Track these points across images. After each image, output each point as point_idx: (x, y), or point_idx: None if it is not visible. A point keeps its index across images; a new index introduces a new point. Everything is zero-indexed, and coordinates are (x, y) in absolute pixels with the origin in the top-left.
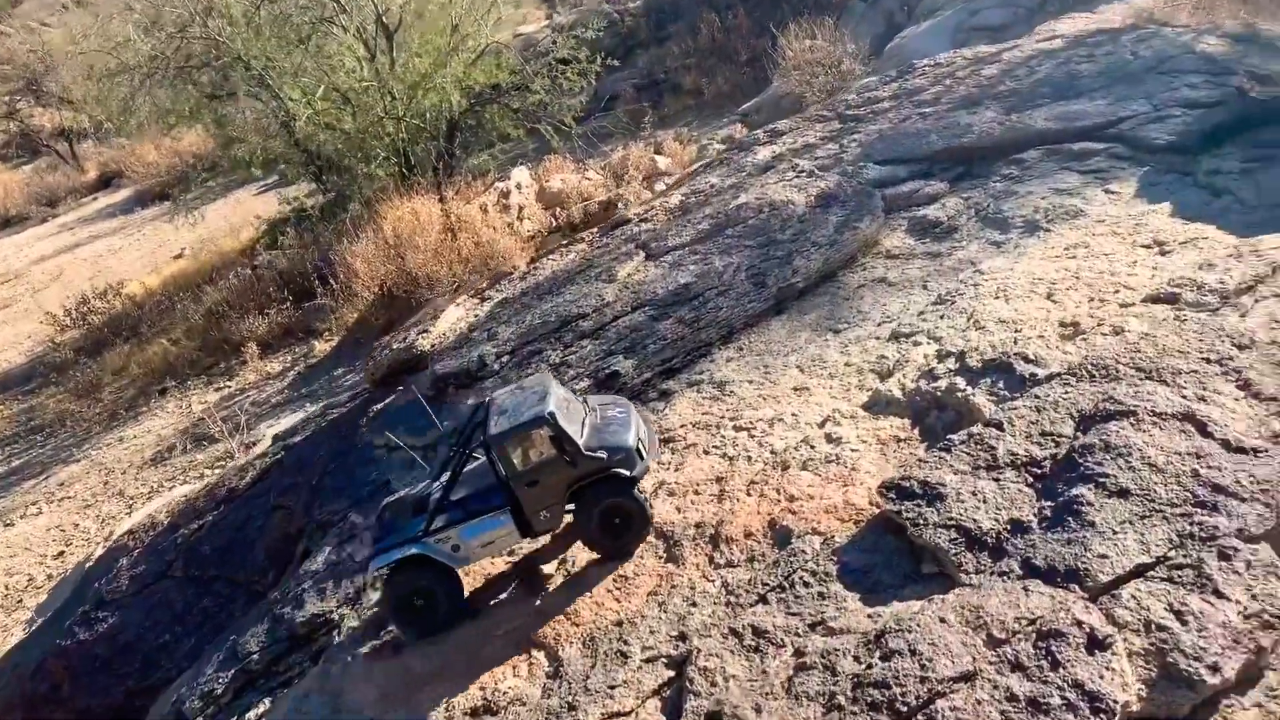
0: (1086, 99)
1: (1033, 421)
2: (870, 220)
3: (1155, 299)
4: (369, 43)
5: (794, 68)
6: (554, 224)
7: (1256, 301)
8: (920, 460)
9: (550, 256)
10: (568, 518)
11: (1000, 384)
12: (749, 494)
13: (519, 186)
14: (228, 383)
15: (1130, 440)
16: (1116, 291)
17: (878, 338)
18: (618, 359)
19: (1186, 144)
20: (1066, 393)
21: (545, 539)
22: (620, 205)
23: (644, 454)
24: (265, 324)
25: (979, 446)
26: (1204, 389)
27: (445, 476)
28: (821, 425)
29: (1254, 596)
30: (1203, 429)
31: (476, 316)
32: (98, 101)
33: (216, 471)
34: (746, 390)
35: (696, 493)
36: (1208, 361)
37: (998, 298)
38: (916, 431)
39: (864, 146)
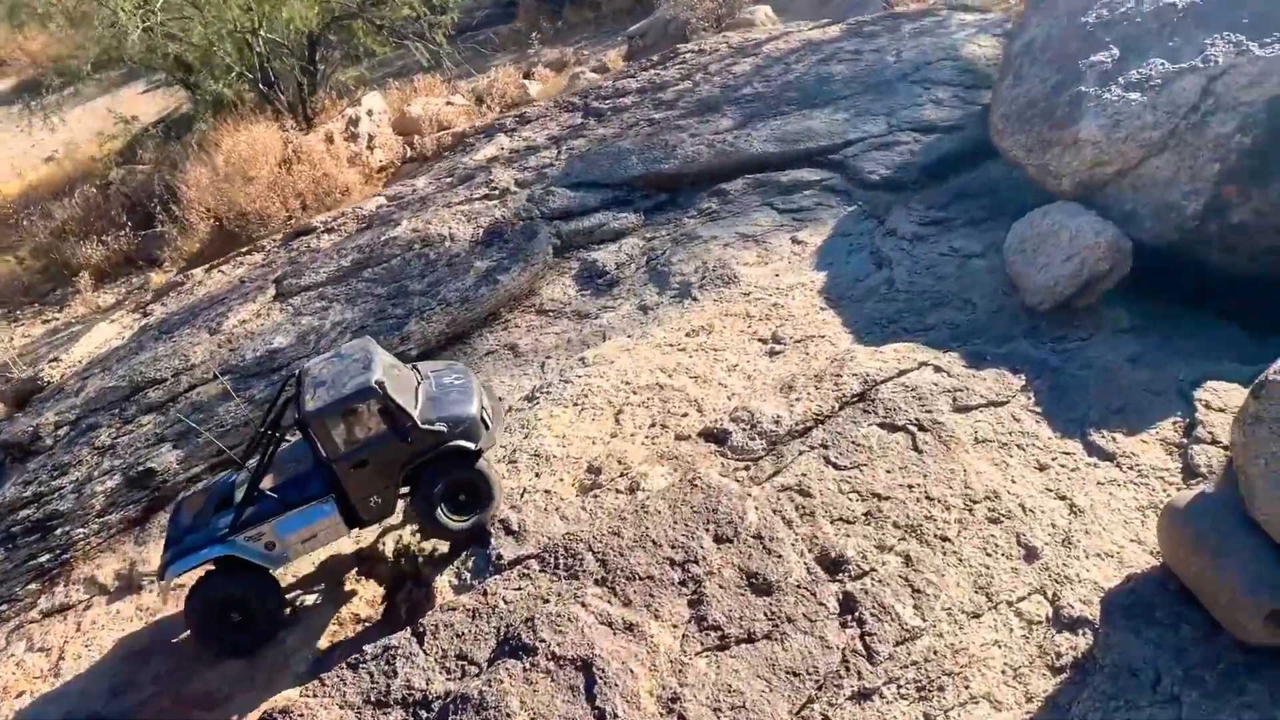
0: (827, 111)
1: (448, 644)
2: (522, 269)
3: (709, 434)
4: None
5: None
6: (407, 154)
7: (801, 453)
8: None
9: (225, 266)
10: (403, 502)
11: (470, 563)
12: None
13: (370, 113)
14: (57, 314)
15: (506, 692)
16: (685, 415)
17: None
18: (164, 448)
19: (902, 181)
20: (508, 592)
21: (376, 529)
22: (470, 138)
23: (489, 424)
24: (103, 251)
25: (383, 671)
26: (642, 610)
27: (252, 463)
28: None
29: None
30: (590, 689)
31: (121, 339)
32: None
33: None
34: None
35: None
36: (671, 564)
37: (575, 404)
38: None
39: (569, 161)
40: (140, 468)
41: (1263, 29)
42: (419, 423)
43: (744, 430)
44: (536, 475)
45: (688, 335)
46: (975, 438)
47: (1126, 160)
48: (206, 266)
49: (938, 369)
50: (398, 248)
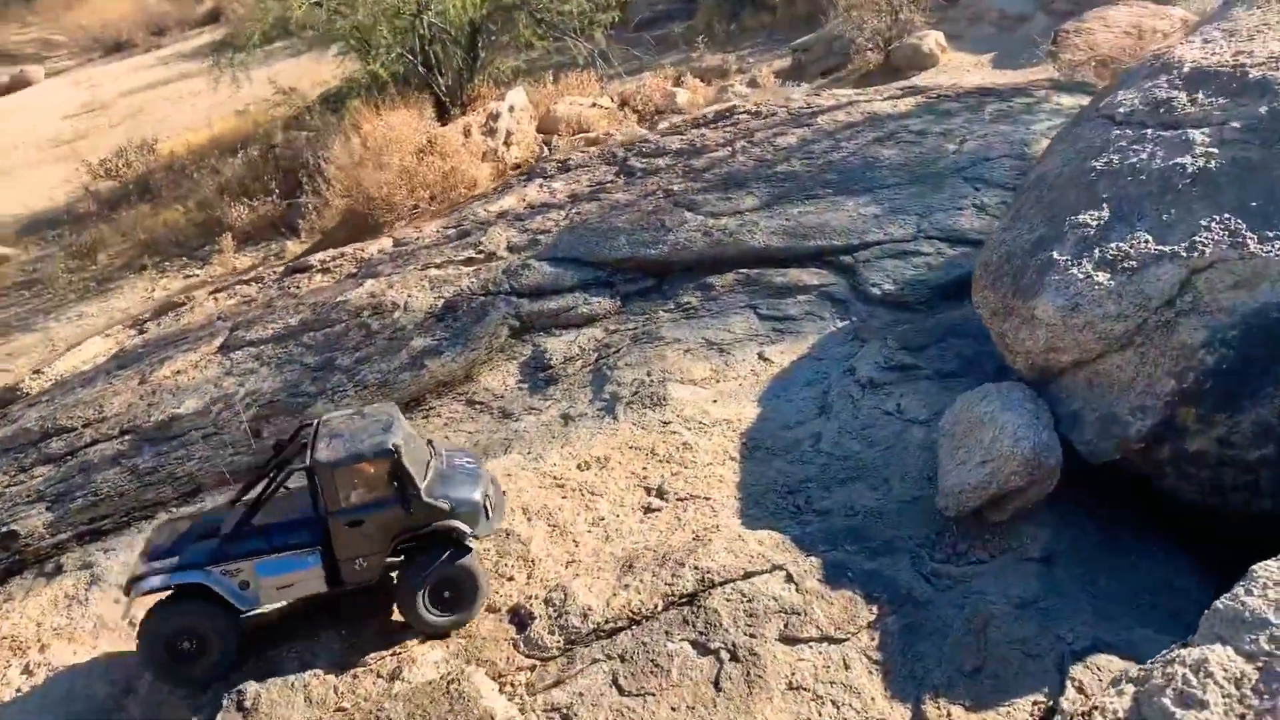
0: (860, 201)
1: None
2: (458, 353)
3: (516, 613)
4: None
5: (845, 9)
6: (543, 153)
7: (594, 662)
8: None
9: (225, 291)
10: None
11: None
12: None
13: (511, 109)
14: (197, 270)
15: None
16: (512, 578)
17: None
18: (36, 510)
19: (908, 300)
20: None
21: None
22: (607, 143)
23: (489, 513)
24: (250, 214)
25: None
26: None
27: (247, 498)
28: None
29: None
30: None
31: (95, 361)
32: None
33: None
34: None
35: None
36: None
37: None
38: None
39: (563, 231)
40: (3, 527)
41: (1270, 216)
42: (423, 495)
43: (549, 618)
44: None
45: (578, 467)
46: (790, 682)
47: (1084, 351)
48: (211, 289)
49: (789, 578)
50: (345, 313)
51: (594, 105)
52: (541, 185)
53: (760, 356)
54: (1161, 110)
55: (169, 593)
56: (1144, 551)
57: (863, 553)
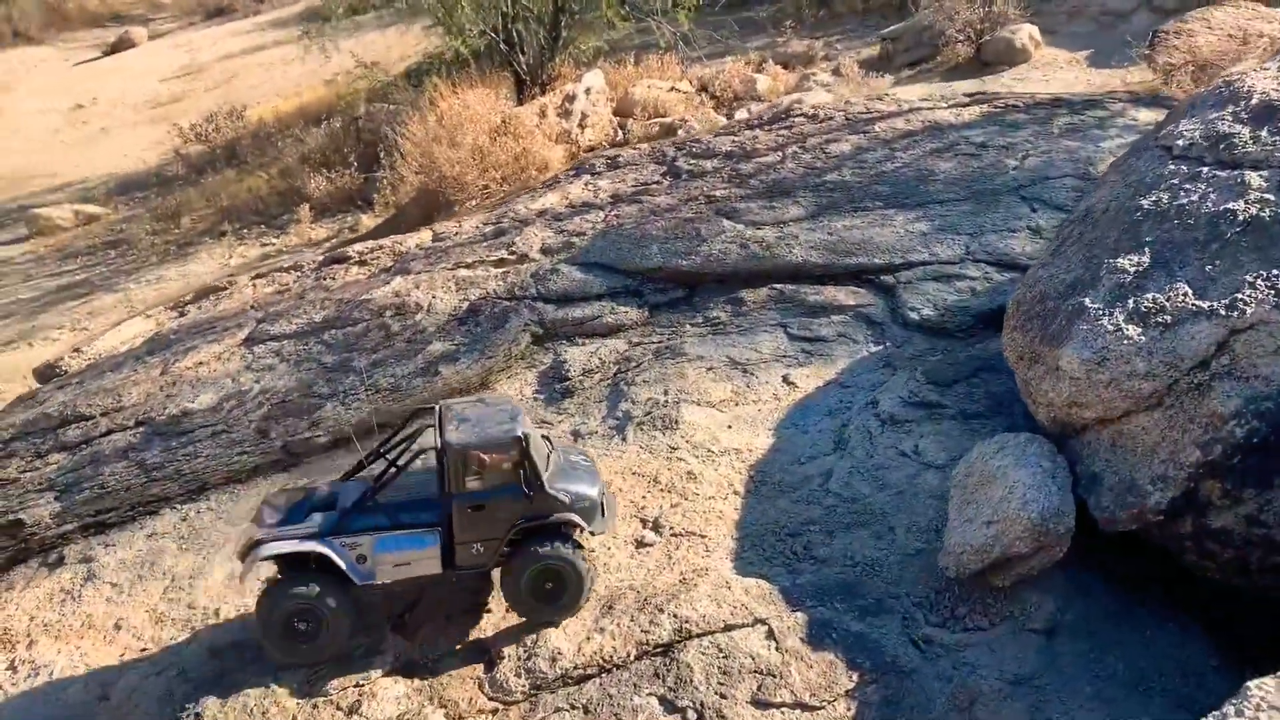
0: (909, 216)
1: None
2: (474, 360)
3: (486, 650)
4: None
5: None
6: (617, 136)
7: (557, 711)
8: None
9: (265, 279)
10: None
11: None
12: None
13: (588, 92)
14: (274, 239)
15: None
16: (491, 610)
17: None
18: (45, 499)
19: (947, 326)
20: None
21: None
22: (681, 130)
23: (604, 512)
24: (328, 185)
25: None
26: None
27: (360, 475)
28: None
29: None
30: None
31: (133, 343)
32: None
33: None
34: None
35: None
36: None
37: None
38: None
39: (597, 235)
40: (11, 515)
41: None
42: (546, 486)
43: (518, 659)
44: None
45: None
46: None
47: (1108, 409)
48: (252, 274)
49: (770, 634)
50: (368, 312)
51: (672, 89)
52: (587, 183)
53: (785, 380)
54: (1221, 146)
55: (276, 568)
56: (1160, 628)
57: (852, 611)
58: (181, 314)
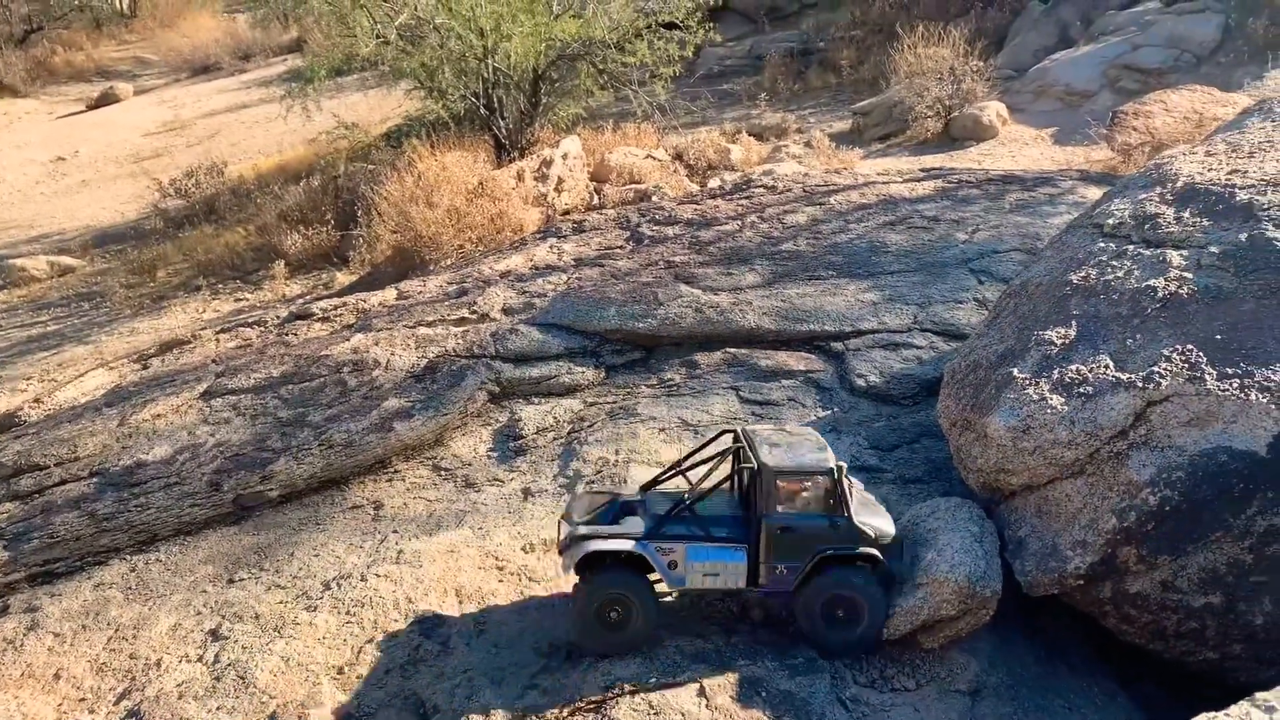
0: (860, 286)
1: None
2: (430, 417)
3: None
4: None
5: (907, 76)
6: (593, 201)
7: None
8: None
9: (228, 333)
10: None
11: None
12: None
13: (565, 156)
14: (248, 295)
15: None
16: None
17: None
18: None
19: (892, 394)
20: None
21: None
22: (654, 196)
23: (902, 551)
24: (304, 242)
25: None
26: None
27: (661, 487)
28: None
29: None
30: None
31: (115, 386)
32: None
33: None
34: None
35: None
36: None
37: (347, 614)
38: None
39: (558, 296)
40: None
41: (1233, 351)
42: (854, 518)
43: (452, 712)
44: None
45: (523, 549)
46: None
47: (1034, 476)
48: (217, 329)
49: (701, 691)
50: (326, 367)
51: (648, 157)
52: (553, 246)
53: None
54: (1147, 226)
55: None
56: (1082, 691)
57: (783, 670)
58: (144, 366)
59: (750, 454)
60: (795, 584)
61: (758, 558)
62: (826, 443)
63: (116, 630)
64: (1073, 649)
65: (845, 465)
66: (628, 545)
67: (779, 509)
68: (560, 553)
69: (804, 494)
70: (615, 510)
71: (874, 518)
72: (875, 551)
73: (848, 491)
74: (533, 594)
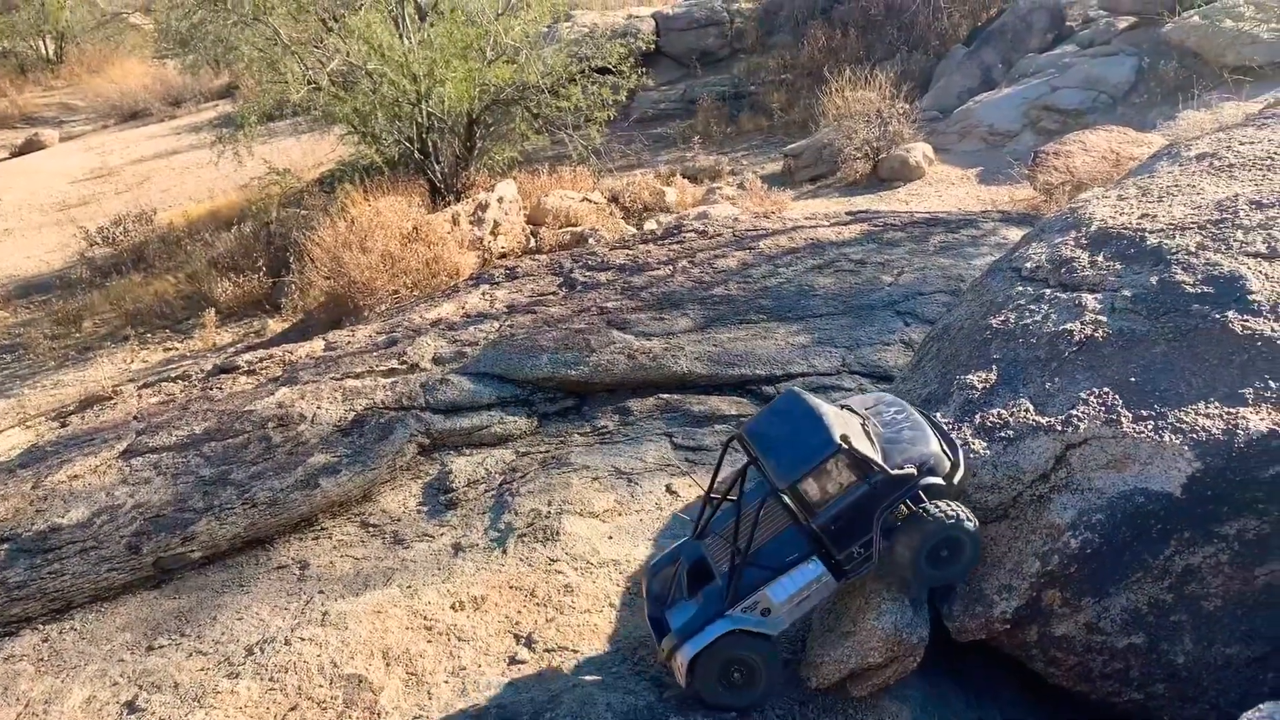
0: (791, 329)
1: None
2: (356, 473)
3: None
4: (398, 20)
5: (835, 118)
6: (529, 245)
7: None
8: None
9: (151, 389)
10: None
11: None
12: None
13: (500, 200)
14: (177, 344)
15: None
16: None
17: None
18: None
19: None
20: None
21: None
22: (591, 238)
23: (950, 456)
24: (235, 290)
25: None
26: None
27: (727, 533)
28: None
29: None
30: None
31: (31, 445)
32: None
33: None
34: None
35: None
36: None
37: (270, 681)
38: None
39: (489, 345)
40: None
41: (1148, 393)
42: (889, 471)
43: None
44: None
45: (452, 607)
46: None
47: None
48: (139, 384)
49: None
50: (250, 423)
51: (584, 200)
52: (485, 293)
53: (668, 489)
54: (1063, 270)
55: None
56: None
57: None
58: (63, 424)
59: (761, 468)
60: (879, 553)
61: (833, 556)
62: (816, 409)
63: (26, 705)
64: (1004, 693)
65: (845, 434)
66: (717, 632)
67: (819, 509)
68: (663, 663)
69: (830, 481)
70: (687, 581)
71: (906, 446)
72: (934, 480)
73: (869, 445)
74: (460, 655)
